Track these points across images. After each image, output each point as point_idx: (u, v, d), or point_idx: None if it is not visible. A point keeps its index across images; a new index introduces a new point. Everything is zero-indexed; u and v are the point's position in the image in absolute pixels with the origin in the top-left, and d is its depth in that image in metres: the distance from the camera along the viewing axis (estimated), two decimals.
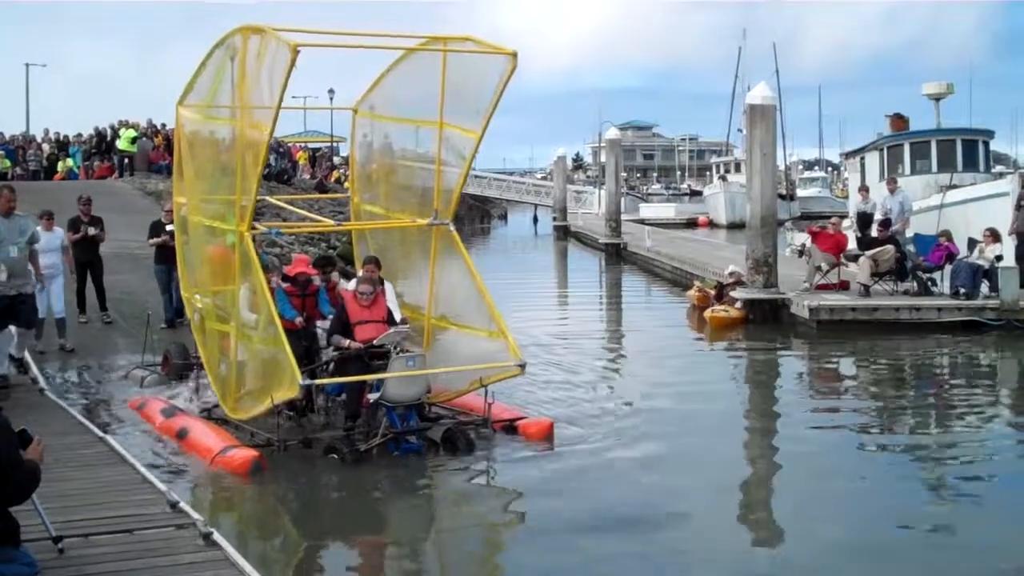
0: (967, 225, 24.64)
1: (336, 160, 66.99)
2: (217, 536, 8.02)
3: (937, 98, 32.09)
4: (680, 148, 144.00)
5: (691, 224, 72.21)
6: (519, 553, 9.88)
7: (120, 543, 7.99)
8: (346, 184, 53.46)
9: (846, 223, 27.99)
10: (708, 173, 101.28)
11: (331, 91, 55.07)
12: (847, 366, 19.86)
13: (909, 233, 25.24)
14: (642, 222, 61.29)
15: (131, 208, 31.78)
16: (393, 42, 14.21)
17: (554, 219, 67.13)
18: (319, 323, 14.00)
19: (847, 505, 11.08)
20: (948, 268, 22.99)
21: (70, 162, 46.85)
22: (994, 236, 22.46)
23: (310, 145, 69.34)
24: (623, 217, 51.02)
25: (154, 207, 28.59)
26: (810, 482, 11.89)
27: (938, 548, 9.93)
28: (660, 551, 9.64)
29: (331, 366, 13.17)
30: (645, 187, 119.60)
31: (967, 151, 30.07)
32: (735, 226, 59.81)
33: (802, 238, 30.37)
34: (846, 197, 54.91)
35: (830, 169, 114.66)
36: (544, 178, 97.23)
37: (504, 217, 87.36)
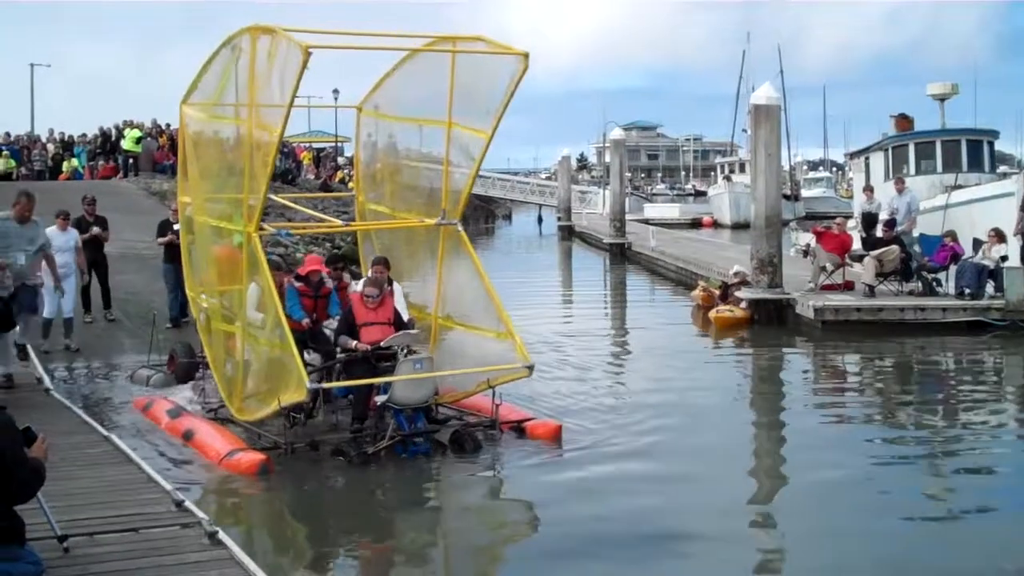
0: (972, 225, 24.62)
1: (340, 160, 67.03)
2: (223, 535, 8.01)
3: (942, 98, 32.03)
4: (684, 148, 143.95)
5: (695, 224, 72.16)
6: (526, 557, 9.85)
7: (125, 542, 7.98)
8: (350, 184, 53.65)
9: (851, 223, 27.98)
10: (712, 173, 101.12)
11: (336, 91, 55.13)
12: (852, 366, 19.84)
13: (915, 233, 25.21)
14: (646, 222, 61.30)
15: (136, 208, 31.80)
16: (404, 43, 14.16)
17: (558, 219, 67.09)
18: (326, 323, 13.93)
19: (851, 504, 11.06)
20: (953, 268, 22.98)
21: (75, 162, 46.91)
22: (999, 236, 22.45)
23: (314, 145, 69.33)
24: (627, 217, 51.00)
25: (159, 207, 28.64)
26: (817, 484, 11.85)
27: (942, 548, 9.91)
28: (667, 556, 9.60)
29: (338, 368, 13.12)
30: (649, 187, 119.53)
31: (972, 151, 30.00)
32: (739, 226, 59.80)
33: (807, 238, 30.32)
34: (851, 197, 54.88)
35: (835, 169, 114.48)
36: (549, 178, 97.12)
37: (508, 217, 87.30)
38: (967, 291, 22.09)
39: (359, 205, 16.29)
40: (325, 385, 12.76)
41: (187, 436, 12.83)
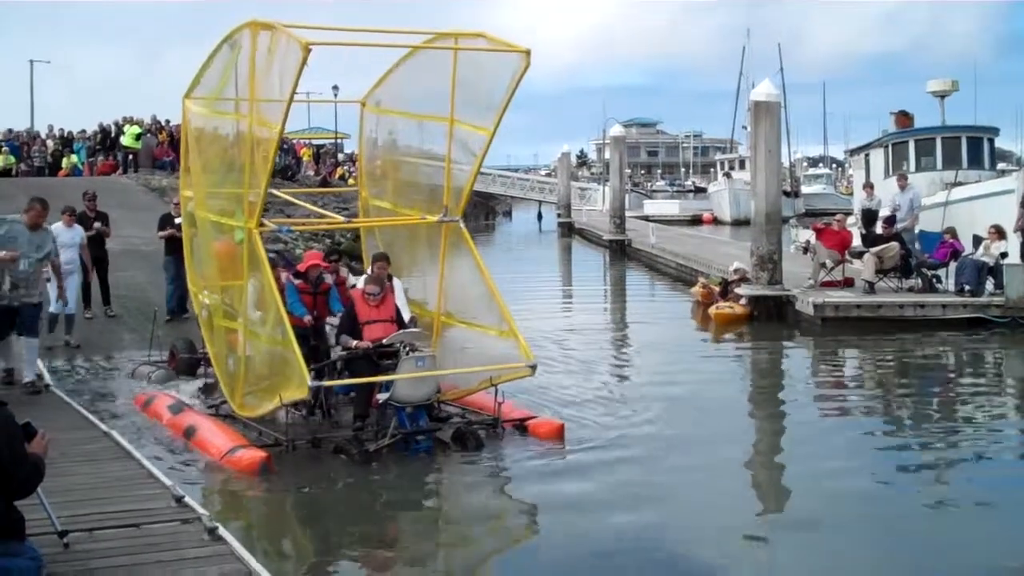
0: (972, 222, 24.61)
1: (340, 157, 67.00)
2: (223, 531, 8.00)
3: (942, 95, 32.01)
4: (684, 145, 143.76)
5: (695, 221, 72.15)
6: (528, 555, 9.86)
7: (125, 537, 7.98)
8: (350, 180, 53.66)
9: (851, 220, 27.96)
10: (712, 170, 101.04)
11: (335, 87, 54.83)
12: (852, 363, 19.86)
13: (915, 230, 25.21)
14: (646, 219, 61.21)
15: (136, 204, 31.80)
16: (404, 39, 14.14)
17: (558, 216, 67.12)
18: (328, 320, 13.91)
19: (850, 499, 11.07)
20: (953, 265, 22.98)
21: (74, 158, 46.86)
22: (999, 233, 22.44)
23: (314, 141, 69.30)
24: (627, 214, 50.99)
25: (158, 203, 28.65)
26: (816, 481, 11.81)
27: (943, 545, 9.89)
28: (669, 557, 9.57)
29: (339, 366, 13.10)
30: (649, 184, 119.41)
31: (972, 148, 29.98)
32: (739, 223, 59.79)
33: (807, 235, 30.30)
34: (850, 194, 54.89)
35: (834, 166, 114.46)
36: (548, 175, 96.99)
37: (508, 214, 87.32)
38: (967, 288, 22.09)
39: (362, 201, 16.28)
40: (327, 383, 12.74)
41: (188, 433, 12.81)
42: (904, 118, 32.65)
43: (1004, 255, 22.10)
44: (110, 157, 46.65)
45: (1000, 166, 37.69)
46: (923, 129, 31.32)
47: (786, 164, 67.91)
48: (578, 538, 9.90)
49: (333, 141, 71.07)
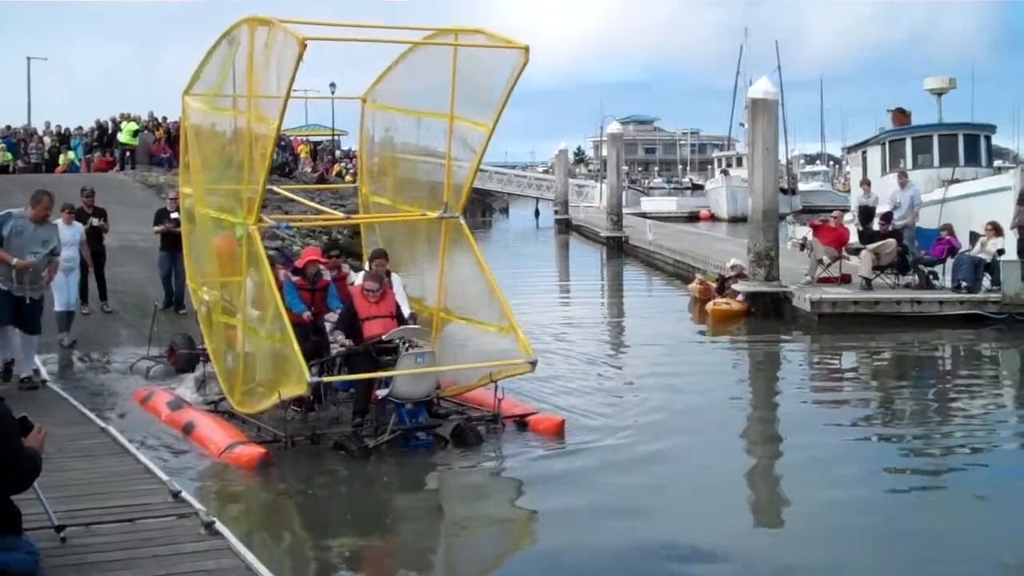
0: (969, 219, 24.66)
1: (337, 153, 66.97)
2: (219, 525, 8.00)
3: (939, 93, 32.06)
4: (681, 142, 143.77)
5: (693, 218, 72.20)
6: (528, 552, 9.85)
7: (122, 532, 7.98)
8: (348, 177, 53.64)
9: (847, 217, 27.99)
10: (710, 167, 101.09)
11: (332, 84, 54.85)
12: (849, 359, 19.86)
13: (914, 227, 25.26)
14: (644, 216, 61.26)
15: (133, 201, 31.74)
16: (402, 35, 14.11)
17: (556, 213, 67.14)
18: (327, 316, 13.87)
19: (847, 497, 11.04)
20: (950, 262, 23.01)
21: (71, 155, 46.82)
22: (996, 230, 22.48)
23: (312, 138, 69.23)
24: (625, 211, 51.02)
25: (155, 200, 28.63)
26: (815, 478, 11.80)
27: (941, 539, 9.88)
28: (666, 555, 9.50)
29: (339, 362, 13.05)
30: (647, 181, 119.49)
31: (969, 145, 30.03)
32: (737, 220, 59.78)
33: (804, 232, 30.35)
34: (848, 191, 54.91)
35: (831, 163, 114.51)
36: (546, 172, 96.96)
37: (506, 210, 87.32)
38: (964, 284, 22.11)
39: (362, 197, 16.25)
40: (326, 379, 12.71)
41: (187, 429, 12.80)
42: (901, 115, 32.70)
43: (1001, 252, 22.13)
44: (107, 154, 46.60)
45: (997, 163, 37.70)
46: (920, 126, 31.37)
47: (783, 161, 67.84)
48: (578, 535, 9.86)
49: (330, 138, 71.00)
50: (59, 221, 17.42)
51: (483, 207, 78.54)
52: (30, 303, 13.85)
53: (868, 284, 23.17)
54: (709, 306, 24.29)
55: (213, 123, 14.50)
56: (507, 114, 13.38)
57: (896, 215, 24.93)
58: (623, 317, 27.39)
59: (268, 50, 12.04)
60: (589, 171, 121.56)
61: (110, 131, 47.55)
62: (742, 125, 72.44)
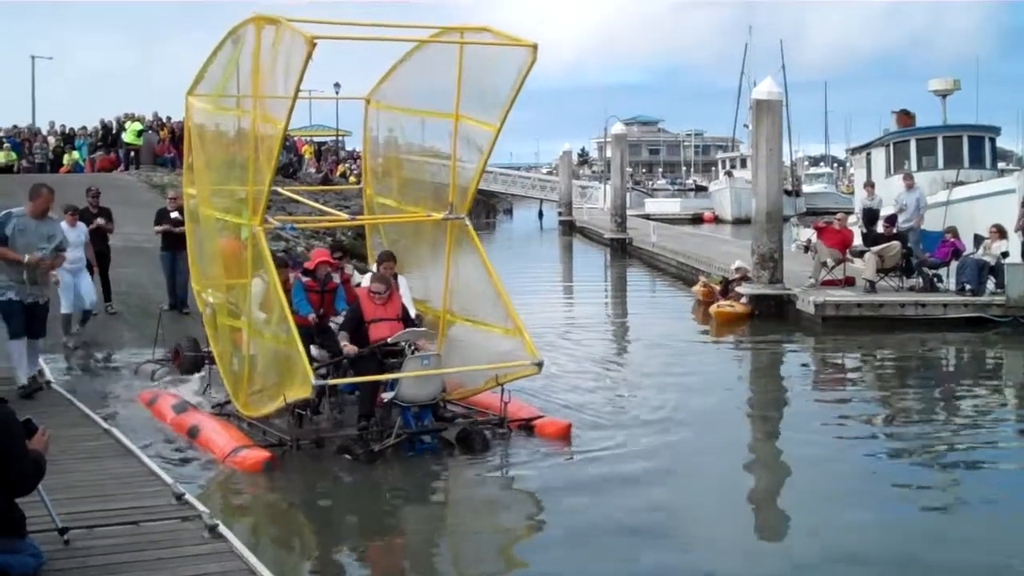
0: (973, 221, 24.64)
1: (341, 154, 67.00)
2: (223, 528, 7.99)
3: (943, 94, 32.01)
4: (686, 143, 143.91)
5: (696, 219, 72.07)
6: (534, 557, 9.75)
7: (125, 535, 7.97)
8: (352, 178, 53.63)
9: (852, 219, 27.97)
10: (714, 168, 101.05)
11: (337, 85, 54.85)
12: (853, 362, 19.84)
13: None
14: (647, 217, 61.15)
15: (137, 201, 31.76)
16: (409, 33, 14.00)
17: (559, 214, 67.11)
18: (334, 319, 13.77)
19: (852, 500, 11.05)
20: (954, 264, 22.99)
21: (76, 155, 46.87)
22: (1000, 232, 22.46)
23: (316, 139, 69.28)
24: (628, 212, 50.91)
25: (160, 200, 28.59)
26: (820, 483, 11.82)
27: (948, 545, 9.82)
28: (674, 561, 9.49)
29: (344, 364, 12.97)
30: (650, 182, 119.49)
31: (974, 148, 29.99)
32: (740, 221, 59.73)
33: (808, 234, 30.34)
34: (851, 193, 54.85)
35: (836, 165, 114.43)
36: (550, 173, 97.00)
37: (509, 212, 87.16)
38: (968, 287, 22.09)
39: (367, 198, 16.17)
40: (331, 381, 12.69)
41: (192, 433, 12.74)
42: (906, 117, 32.65)
43: (1005, 254, 22.10)
44: (110, 153, 46.64)
45: (1001, 165, 37.65)
46: (925, 128, 31.33)
47: (787, 163, 67.81)
48: (584, 540, 9.82)
49: (334, 138, 71.05)
50: (63, 223, 17.43)
51: (487, 208, 78.48)
52: (39, 307, 13.59)
53: (872, 287, 23.15)
54: (713, 308, 24.26)
55: (217, 123, 14.42)
56: (511, 115, 13.31)
57: (902, 217, 24.93)
58: (627, 319, 27.37)
59: (275, 49, 11.94)
60: (593, 172, 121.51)
61: (114, 131, 47.60)
62: (746, 126, 72.61)
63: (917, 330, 21.33)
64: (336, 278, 14.04)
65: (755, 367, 19.65)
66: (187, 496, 8.88)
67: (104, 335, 19.05)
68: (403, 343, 12.62)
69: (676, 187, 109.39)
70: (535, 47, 12.61)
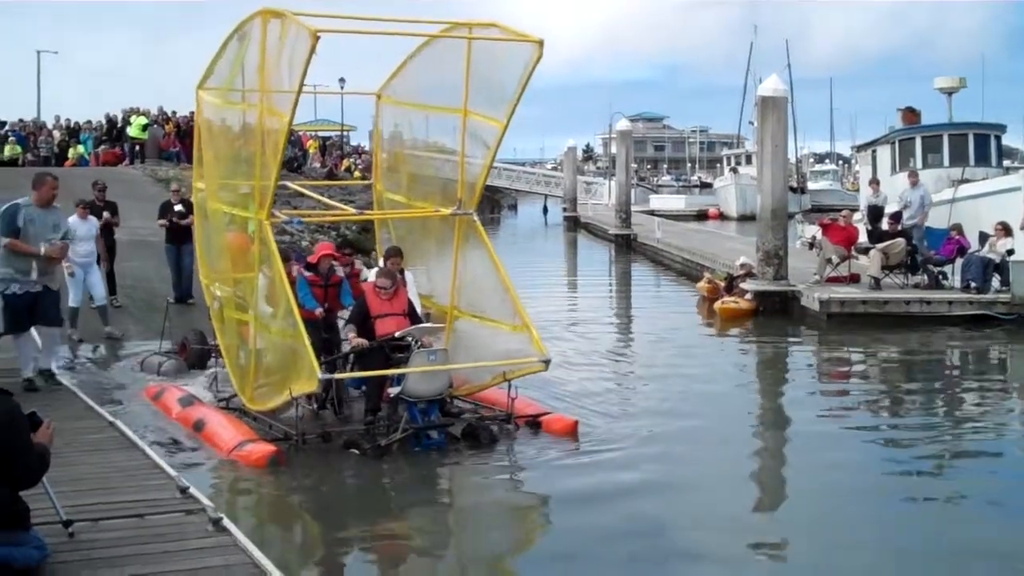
0: (978, 219, 24.61)
1: (346, 149, 66.96)
2: (227, 522, 7.99)
3: (949, 92, 31.98)
4: (690, 140, 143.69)
5: (701, 216, 72.02)
6: (539, 554, 9.77)
7: (130, 528, 7.98)
8: (356, 173, 53.58)
9: (857, 216, 27.96)
10: (719, 165, 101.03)
11: (342, 80, 54.79)
12: (857, 358, 19.83)
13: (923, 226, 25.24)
14: (652, 213, 61.22)
15: (142, 195, 31.73)
16: (415, 28, 13.95)
17: (564, 210, 67.14)
18: (340, 313, 13.76)
19: (857, 499, 11.03)
20: (959, 262, 22.98)
21: (81, 149, 46.90)
22: (1005, 230, 22.45)
23: (320, 134, 69.21)
24: (633, 208, 50.96)
25: (165, 194, 28.52)
26: (825, 480, 11.76)
27: (955, 548, 9.71)
28: (679, 556, 9.49)
29: (351, 359, 12.97)
30: (655, 179, 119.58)
31: (979, 145, 29.96)
32: (745, 218, 59.63)
33: (813, 231, 30.31)
34: (857, 190, 54.77)
35: (841, 162, 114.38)
36: (554, 169, 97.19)
37: (514, 207, 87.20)
38: (973, 285, 22.09)
39: (376, 193, 16.13)
40: (337, 375, 12.67)
41: (197, 427, 12.73)
42: (911, 114, 32.61)
43: (1010, 252, 22.09)
44: (116, 147, 46.67)
45: (1006, 163, 37.61)
46: (930, 126, 31.29)
47: (792, 160, 67.75)
48: (590, 537, 9.78)
49: (339, 133, 70.98)
50: (74, 217, 17.52)
51: (492, 204, 78.44)
52: (49, 292, 13.40)
53: (877, 284, 23.14)
54: (717, 305, 24.25)
55: (226, 118, 14.39)
56: (517, 110, 13.32)
57: (906, 214, 24.92)
58: (631, 315, 27.38)
59: (281, 43, 11.93)
60: (598, 168, 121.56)
61: (119, 125, 47.63)
62: (751, 123, 72.38)
63: (922, 327, 21.32)
64: (340, 271, 14.02)
65: (759, 364, 19.63)
66: (191, 489, 8.87)
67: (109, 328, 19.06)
68: (410, 339, 12.60)
69: (681, 183, 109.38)
70: (541, 43, 12.62)
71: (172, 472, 9.48)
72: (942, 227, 24.90)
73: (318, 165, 56.09)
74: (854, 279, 24.38)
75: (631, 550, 9.49)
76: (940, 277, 23.33)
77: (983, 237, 23.36)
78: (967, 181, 27.50)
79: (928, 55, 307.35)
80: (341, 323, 13.58)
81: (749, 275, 24.79)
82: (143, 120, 45.87)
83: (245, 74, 13.52)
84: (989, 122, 32.59)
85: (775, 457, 13.19)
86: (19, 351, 13.57)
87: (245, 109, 13.64)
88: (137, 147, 45.07)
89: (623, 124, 54.99)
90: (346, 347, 13.08)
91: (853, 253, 24.77)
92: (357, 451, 12.03)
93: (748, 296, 23.93)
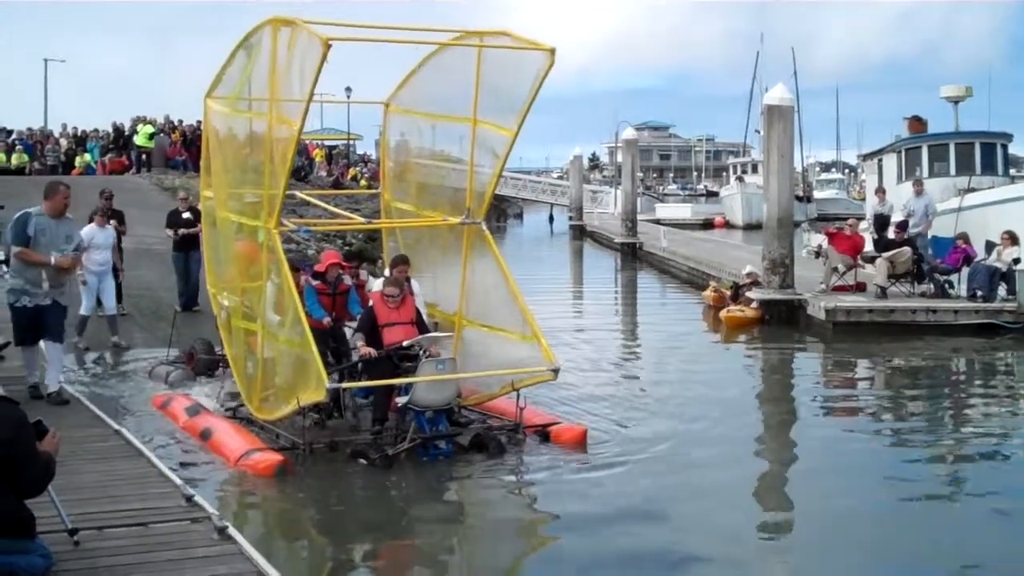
0: (985, 228, 24.57)
1: (352, 158, 67.08)
2: (232, 530, 8.00)
3: (956, 101, 31.94)
4: (697, 149, 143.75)
5: (707, 225, 72.03)
6: (547, 565, 9.71)
7: (135, 536, 7.98)
8: (363, 181, 53.67)
9: (863, 225, 27.94)
10: (725, 174, 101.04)
11: (348, 89, 54.96)
12: (863, 367, 19.79)
13: (928, 236, 25.20)
14: (658, 222, 61.27)
15: (149, 204, 31.85)
16: (426, 36, 13.88)
17: (570, 218, 67.12)
18: (347, 322, 13.70)
19: (864, 510, 10.97)
20: (965, 271, 22.95)
21: (87, 157, 47.03)
22: (1012, 239, 22.41)
23: (326, 142, 69.36)
24: (639, 217, 51.01)
25: (172, 202, 28.63)
26: (831, 490, 11.70)
27: (962, 558, 9.63)
28: (688, 570, 9.44)
29: (359, 368, 12.92)
30: (661, 187, 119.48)
31: (985, 154, 29.93)
32: (751, 227, 59.72)
33: (819, 239, 30.31)
34: (863, 199, 54.76)
35: (847, 171, 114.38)
36: (560, 177, 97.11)
37: (520, 216, 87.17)
38: (979, 293, 22.06)
39: (384, 202, 16.08)
40: (345, 385, 12.65)
41: (204, 435, 12.68)
42: (917, 123, 32.62)
43: (1017, 261, 22.04)
44: (122, 155, 46.78)
45: (1013, 172, 37.56)
46: (936, 135, 31.27)
47: (799, 168, 67.76)
48: (599, 547, 9.75)
49: (345, 142, 71.12)
50: (92, 225, 17.61)
51: (497, 213, 78.51)
52: (58, 307, 13.13)
53: (883, 292, 23.11)
54: (723, 313, 24.25)
55: (235, 126, 14.36)
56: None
57: (910, 223, 24.89)
58: (637, 324, 27.37)
59: (291, 52, 11.90)
60: (604, 177, 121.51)
61: (126, 133, 47.76)
62: (757, 132, 72.61)
63: (928, 336, 21.30)
64: (347, 280, 14.00)
65: (765, 372, 19.61)
66: (197, 498, 8.89)
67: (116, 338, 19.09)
68: (418, 348, 12.57)
69: (687, 192, 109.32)
70: (553, 51, 12.51)
71: (178, 480, 9.49)
72: (948, 236, 24.87)
73: (324, 174, 56.24)
74: (860, 288, 24.36)
75: (641, 562, 9.42)
76: (946, 286, 23.29)
77: (989, 246, 23.32)
78: (973, 190, 27.47)
79: (935, 64, 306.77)
80: (348, 332, 13.53)
81: (755, 284, 24.78)
82: (150, 129, 46.01)
83: (254, 83, 13.51)
84: (995, 131, 32.54)
85: (782, 469, 13.05)
86: (25, 359, 13.54)
87: (253, 117, 13.63)
88: (144, 156, 45.21)
89: (629, 133, 55.06)
90: (355, 356, 13.05)
91: (859, 262, 24.78)
92: (365, 461, 11.96)
93: (754, 305, 23.93)
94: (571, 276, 43.22)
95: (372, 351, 12.50)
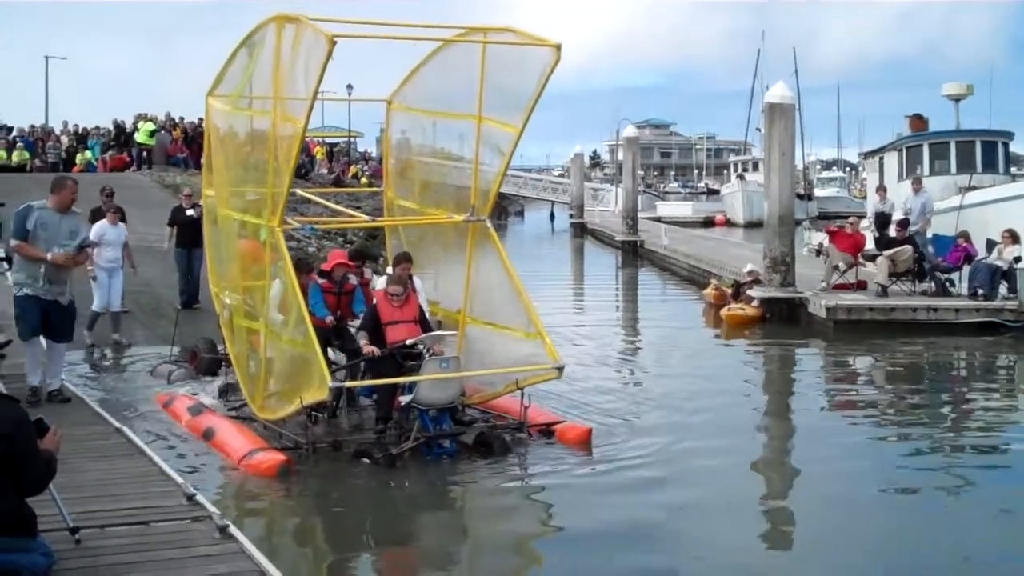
0: (986, 226, 24.57)
1: (353, 155, 67.07)
2: (233, 529, 7.97)
3: (957, 99, 31.95)
4: (697, 147, 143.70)
5: (708, 222, 72.04)
6: (552, 564, 9.68)
7: (136, 535, 7.96)
8: (363, 179, 53.68)
9: (864, 223, 27.94)
10: (726, 172, 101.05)
11: (349, 86, 54.94)
12: (864, 366, 19.79)
13: (929, 234, 25.19)
14: (659, 220, 61.18)
15: (149, 201, 31.83)
16: (430, 33, 13.75)
17: (571, 216, 67.09)
18: (352, 322, 13.61)
19: (865, 505, 10.99)
20: (966, 269, 22.95)
21: (88, 154, 47.01)
22: (1013, 237, 22.41)
23: (327, 140, 69.34)
24: (640, 215, 51.00)
25: (173, 200, 28.65)
26: (833, 490, 11.66)
27: (969, 558, 9.62)
28: (691, 568, 9.46)
29: (362, 367, 12.90)
30: (662, 185, 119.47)
31: (986, 152, 29.95)
32: (752, 225, 59.69)
33: (820, 237, 30.31)
34: (864, 197, 54.81)
35: (848, 169, 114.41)
36: (561, 175, 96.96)
37: (521, 214, 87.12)
38: (980, 292, 22.06)
39: (387, 200, 16.04)
40: (348, 384, 12.60)
41: (207, 435, 12.64)
42: (918, 121, 32.63)
43: (1018, 259, 22.04)
44: (123, 152, 46.79)
45: (1014, 170, 37.56)
46: (937, 133, 31.29)
47: (800, 166, 67.78)
48: (602, 549, 9.72)
49: (347, 139, 71.10)
50: (104, 222, 17.63)
51: (499, 210, 78.41)
52: (60, 307, 12.81)
53: (884, 291, 23.11)
54: (724, 311, 24.25)
55: (236, 124, 14.32)
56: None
57: (908, 221, 24.88)
58: (637, 321, 27.34)
59: (295, 49, 11.84)
60: (605, 175, 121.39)
61: (127, 131, 47.76)
62: (759, 130, 72.62)
63: (929, 334, 21.29)
64: (353, 279, 13.98)
65: (766, 371, 19.62)
66: (198, 496, 8.86)
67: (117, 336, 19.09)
68: (421, 346, 12.53)
69: (688, 190, 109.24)
70: (559, 47, 12.40)
71: (179, 479, 9.46)
72: (949, 234, 24.87)
73: (325, 171, 56.21)
74: (861, 286, 24.36)
75: (647, 562, 9.40)
76: (947, 284, 23.28)
77: (990, 244, 23.33)
78: (974, 188, 27.48)
79: (936, 62, 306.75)
80: (353, 330, 13.49)
81: (756, 282, 24.78)
82: (151, 126, 46.00)
83: (256, 80, 13.47)
84: (996, 129, 32.56)
85: (783, 468, 13.07)
86: (27, 358, 13.17)
87: (254, 115, 13.60)
88: (144, 153, 45.20)
89: (630, 131, 55.02)
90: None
91: (860, 260, 24.77)
92: (368, 460, 11.91)
93: (755, 303, 23.92)
94: (572, 274, 43.19)
95: (375, 349, 12.48)
